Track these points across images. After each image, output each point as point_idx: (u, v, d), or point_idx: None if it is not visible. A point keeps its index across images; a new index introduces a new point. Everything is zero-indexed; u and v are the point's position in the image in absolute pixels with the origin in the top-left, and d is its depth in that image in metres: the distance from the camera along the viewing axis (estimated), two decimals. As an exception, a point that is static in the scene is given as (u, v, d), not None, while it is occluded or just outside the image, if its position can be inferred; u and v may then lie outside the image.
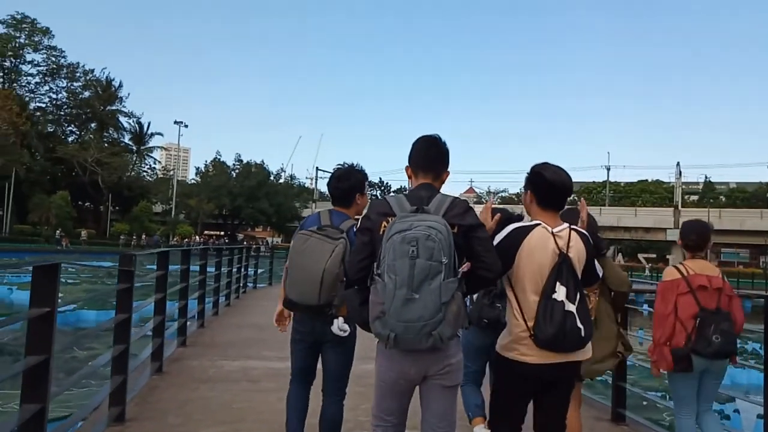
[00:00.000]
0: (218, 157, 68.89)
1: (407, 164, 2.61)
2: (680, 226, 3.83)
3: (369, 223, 2.44)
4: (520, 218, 3.08)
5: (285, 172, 71.90)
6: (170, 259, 5.92)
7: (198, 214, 64.00)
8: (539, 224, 2.61)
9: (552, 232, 2.58)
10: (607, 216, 60.39)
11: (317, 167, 65.60)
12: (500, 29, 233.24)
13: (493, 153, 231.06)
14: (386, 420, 2.49)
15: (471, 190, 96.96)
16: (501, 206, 3.18)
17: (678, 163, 59.23)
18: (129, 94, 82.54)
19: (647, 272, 46.46)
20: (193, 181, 76.34)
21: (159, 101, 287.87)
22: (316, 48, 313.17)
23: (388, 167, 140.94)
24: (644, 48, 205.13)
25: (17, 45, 62.36)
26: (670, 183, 72.27)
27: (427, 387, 2.41)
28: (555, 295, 2.48)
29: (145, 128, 71.07)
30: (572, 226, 2.67)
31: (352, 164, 3.38)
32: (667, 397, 6.75)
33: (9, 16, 61.60)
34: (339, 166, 3.34)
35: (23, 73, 64.81)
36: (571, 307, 2.48)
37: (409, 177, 2.60)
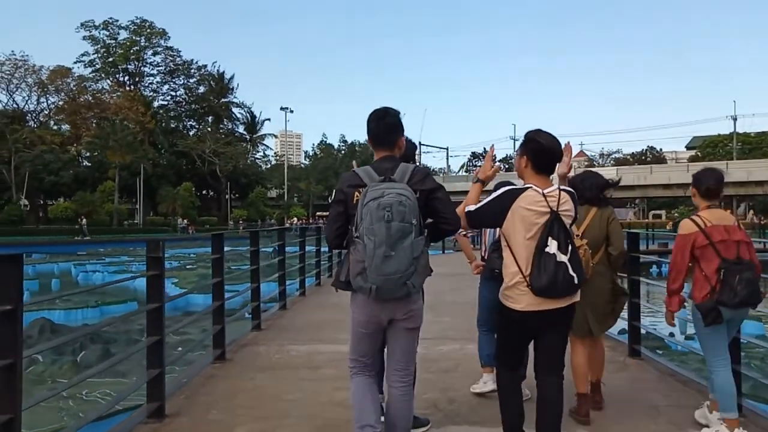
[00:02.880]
0: (324, 140, 70.54)
1: (368, 138, 2.89)
2: (695, 174, 3.74)
3: (342, 195, 2.74)
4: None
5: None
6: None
7: (309, 197, 66.11)
8: (530, 187, 2.87)
9: (543, 193, 2.85)
10: (735, 170, 54.36)
11: (420, 142, 64.93)
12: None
13: (605, 113, 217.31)
14: (360, 360, 2.86)
15: (581, 153, 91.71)
16: (504, 180, 3.40)
17: (820, 108, 51.60)
18: (238, 85, 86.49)
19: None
20: (303, 165, 78.99)
21: (269, 89, 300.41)
22: (416, 18, 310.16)
23: (494, 136, 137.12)
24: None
25: (139, 48, 67.30)
26: (810, 130, 63.56)
27: (393, 329, 2.77)
28: (548, 249, 2.76)
29: (257, 117, 74.47)
30: (561, 187, 2.95)
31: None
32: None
33: (130, 22, 66.59)
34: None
35: (145, 74, 70.12)
36: (563, 258, 2.77)
37: (373, 149, 2.87)
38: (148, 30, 67.35)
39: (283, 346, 6.11)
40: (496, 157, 3.14)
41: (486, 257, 4.27)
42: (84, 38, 65.78)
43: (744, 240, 3.45)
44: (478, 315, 4.45)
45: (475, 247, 5.12)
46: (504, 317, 2.95)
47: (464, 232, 4.36)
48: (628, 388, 4.61)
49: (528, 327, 2.91)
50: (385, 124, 2.82)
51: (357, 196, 2.62)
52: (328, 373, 5.03)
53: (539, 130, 2.95)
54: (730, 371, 3.50)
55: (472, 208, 2.95)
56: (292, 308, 8.71)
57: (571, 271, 2.77)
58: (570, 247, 2.80)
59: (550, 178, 2.96)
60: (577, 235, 3.68)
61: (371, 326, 2.76)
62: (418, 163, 3.49)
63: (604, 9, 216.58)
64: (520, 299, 2.82)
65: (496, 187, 3.04)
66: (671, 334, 9.90)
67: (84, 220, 45.95)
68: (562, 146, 2.99)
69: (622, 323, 6.37)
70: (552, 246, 2.76)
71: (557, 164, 2.99)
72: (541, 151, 2.90)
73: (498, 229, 3.03)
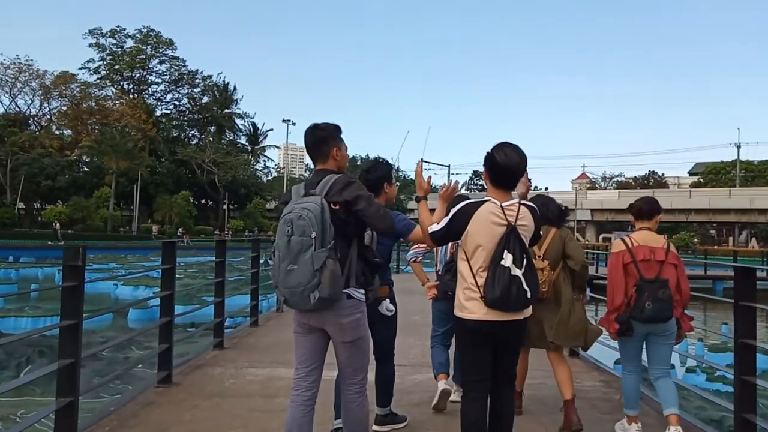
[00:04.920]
0: (325, 152, 70.15)
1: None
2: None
3: (278, 212, 2.84)
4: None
5: (393, 166, 71.81)
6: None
7: (308, 209, 65.43)
8: (489, 199, 2.92)
9: (501, 206, 2.87)
10: (738, 198, 54.10)
11: (423, 159, 64.48)
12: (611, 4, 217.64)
13: (608, 136, 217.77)
14: (298, 370, 2.93)
15: (584, 175, 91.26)
16: (462, 192, 4.06)
17: (823, 137, 51.54)
18: (242, 97, 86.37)
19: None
20: (303, 178, 78.75)
21: (275, 101, 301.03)
22: (424, 34, 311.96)
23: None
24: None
25: (145, 57, 67.23)
26: (813, 159, 63.08)
27: (334, 343, 2.85)
28: (503, 262, 2.78)
29: (260, 128, 74.18)
30: (521, 201, 2.97)
31: (378, 158, 3.82)
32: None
33: (137, 30, 66.58)
34: (369, 160, 3.65)
35: (150, 82, 69.96)
36: (518, 272, 2.79)
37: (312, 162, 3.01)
38: (155, 39, 67.30)
39: (242, 368, 5.51)
40: (451, 177, 3.28)
41: (438, 277, 4.47)
42: (90, 45, 65.79)
43: (669, 262, 3.74)
44: (432, 330, 4.71)
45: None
46: (460, 330, 3.00)
47: (415, 258, 4.51)
48: (622, 433, 4.01)
49: (483, 338, 2.91)
50: (314, 137, 2.91)
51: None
52: (283, 404, 4.41)
53: (501, 145, 2.95)
54: (638, 378, 3.93)
55: (435, 228, 2.97)
56: (265, 325, 8.12)
57: (525, 286, 2.79)
58: (525, 261, 2.82)
59: (513, 193, 3.01)
60: (539, 256, 3.95)
61: (302, 329, 2.87)
62: (393, 182, 3.80)
63: (608, 33, 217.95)
64: (474, 310, 2.85)
65: (453, 203, 3.11)
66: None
67: (57, 225, 45.18)
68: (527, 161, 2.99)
69: (616, 354, 5.80)
70: (507, 259, 2.78)
71: (519, 180, 3.02)
72: (496, 167, 2.93)
73: (448, 249, 3.24)
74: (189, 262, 28.28)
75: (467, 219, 2.86)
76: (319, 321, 2.77)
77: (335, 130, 2.95)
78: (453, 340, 4.50)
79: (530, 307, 2.92)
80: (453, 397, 4.38)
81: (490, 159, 2.95)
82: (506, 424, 2.97)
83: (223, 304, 6.49)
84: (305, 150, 2.96)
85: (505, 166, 2.90)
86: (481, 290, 2.80)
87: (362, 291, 2.81)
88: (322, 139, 2.89)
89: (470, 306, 2.85)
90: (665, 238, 3.94)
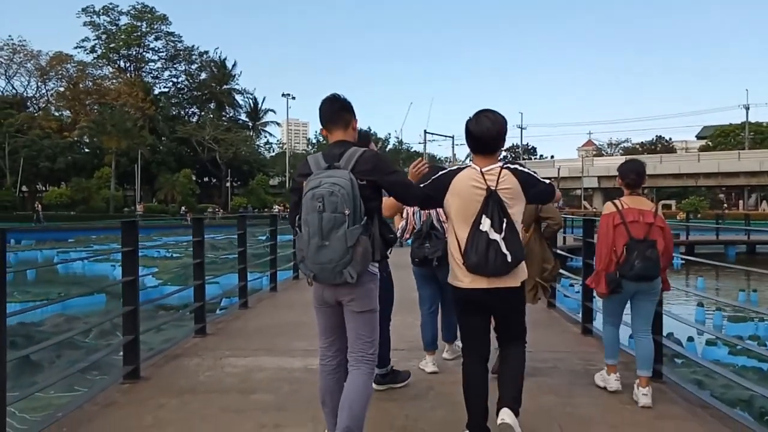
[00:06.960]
0: (327, 126, 69.34)
1: (321, 127, 2.95)
2: (619, 167, 4.14)
3: (296, 184, 2.85)
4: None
5: (396, 138, 71.12)
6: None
7: (311, 184, 64.85)
8: (468, 166, 3.03)
9: (481, 171, 2.94)
10: (748, 160, 53.09)
11: (425, 130, 63.61)
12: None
13: (614, 102, 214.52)
14: (321, 347, 2.94)
15: (590, 142, 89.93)
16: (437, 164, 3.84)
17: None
18: (241, 72, 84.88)
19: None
20: (306, 152, 78.01)
21: (277, 78, 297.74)
22: (424, 7, 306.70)
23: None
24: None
25: (140, 34, 66.00)
26: (824, 119, 61.77)
27: (345, 312, 2.82)
28: (481, 226, 2.84)
29: (260, 104, 73.21)
30: (505, 165, 2.99)
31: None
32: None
33: (131, 7, 65.23)
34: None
35: (146, 60, 68.83)
36: (496, 236, 2.82)
37: (326, 136, 2.94)
38: (149, 15, 65.99)
39: (221, 358, 5.00)
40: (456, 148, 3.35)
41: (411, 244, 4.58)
42: (84, 24, 64.59)
43: (656, 224, 3.85)
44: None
45: None
46: (453, 297, 3.05)
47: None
48: (648, 428, 3.48)
49: (475, 305, 2.94)
50: (338, 103, 2.88)
51: (304, 184, 2.70)
52: (261, 401, 3.93)
53: (478, 113, 3.01)
54: (617, 330, 4.13)
55: (420, 186, 3.09)
56: (255, 306, 7.61)
57: (504, 249, 2.79)
58: (505, 225, 2.82)
59: (499, 157, 3.04)
60: None
61: (322, 303, 2.85)
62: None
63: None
64: (462, 278, 2.90)
65: (433, 171, 3.20)
66: (690, 339, 8.72)
67: (39, 207, 44.66)
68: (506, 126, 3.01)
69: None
70: (485, 224, 2.81)
71: (497, 145, 3.00)
72: (470, 135, 3.01)
73: (422, 215, 3.60)
74: (191, 240, 27.77)
75: (448, 181, 2.95)
76: (333, 293, 2.75)
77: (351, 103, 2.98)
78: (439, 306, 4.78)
79: (521, 272, 2.91)
80: (445, 354, 4.88)
81: (465, 128, 3.03)
82: (515, 380, 2.96)
83: (203, 287, 5.98)
84: (321, 121, 2.90)
85: (476, 133, 2.97)
86: (463, 257, 2.85)
87: (377, 265, 2.79)
88: (345, 107, 2.89)
89: (459, 274, 2.91)
90: (653, 202, 4.08)
